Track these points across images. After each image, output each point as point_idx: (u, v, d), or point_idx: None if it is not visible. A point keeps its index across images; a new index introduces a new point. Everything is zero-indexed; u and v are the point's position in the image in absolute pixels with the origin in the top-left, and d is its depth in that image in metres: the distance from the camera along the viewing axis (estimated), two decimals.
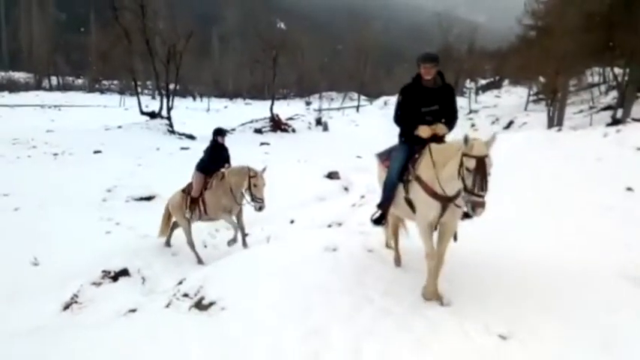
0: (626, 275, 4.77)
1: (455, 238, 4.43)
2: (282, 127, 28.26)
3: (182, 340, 4.28)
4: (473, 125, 33.83)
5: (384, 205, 4.83)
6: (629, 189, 7.58)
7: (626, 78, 22.04)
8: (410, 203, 4.47)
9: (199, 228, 9.29)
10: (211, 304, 4.75)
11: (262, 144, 23.20)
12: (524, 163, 9.34)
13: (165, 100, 26.71)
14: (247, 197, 8.01)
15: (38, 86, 61.33)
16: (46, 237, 8.97)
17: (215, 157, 8.56)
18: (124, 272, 7.66)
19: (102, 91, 59.86)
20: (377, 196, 5.21)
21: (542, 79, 27.55)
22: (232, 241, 8.41)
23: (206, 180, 8.51)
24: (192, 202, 8.56)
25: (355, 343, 3.76)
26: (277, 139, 25.52)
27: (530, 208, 7.02)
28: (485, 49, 52.70)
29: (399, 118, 4.73)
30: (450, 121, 4.62)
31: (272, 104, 31.38)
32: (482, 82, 61.92)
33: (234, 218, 8.44)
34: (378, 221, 4.95)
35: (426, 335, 3.82)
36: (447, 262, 4.33)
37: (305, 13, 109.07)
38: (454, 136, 4.31)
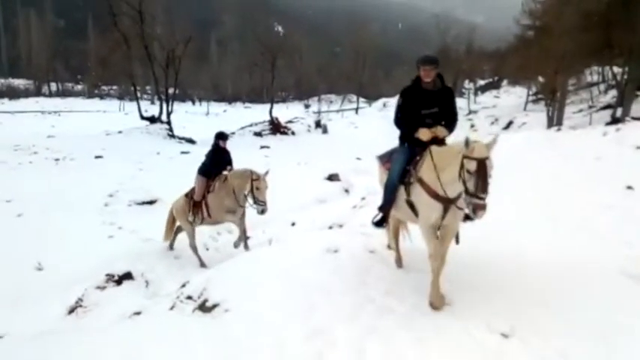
0: (627, 273, 4.81)
1: (457, 241, 4.44)
2: (282, 130, 28.27)
3: (187, 342, 4.32)
4: (472, 126, 33.86)
5: (385, 207, 4.84)
6: (629, 187, 7.59)
7: (625, 77, 22.04)
8: (411, 205, 4.48)
9: (201, 231, 9.33)
10: (215, 306, 4.79)
11: (262, 147, 23.23)
12: (524, 163, 9.36)
13: (164, 105, 26.75)
14: (250, 200, 8.05)
15: (38, 92, 61.53)
16: (49, 242, 9.04)
17: (217, 161, 8.60)
18: (128, 276, 7.72)
19: (101, 97, 60.00)
20: (378, 198, 5.24)
21: (541, 78, 27.54)
22: (238, 242, 8.46)
23: (208, 183, 8.55)
24: (195, 206, 8.60)
25: (359, 343, 3.80)
26: (277, 142, 25.55)
27: (530, 208, 7.04)
28: (484, 49, 52.72)
29: (399, 121, 4.76)
30: (450, 124, 4.63)
31: (271, 107, 31.42)
32: (481, 82, 61.93)
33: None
34: (380, 223, 4.96)
35: (428, 334, 3.85)
36: (448, 263, 4.35)
37: (303, 16, 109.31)
38: (454, 138, 4.35)
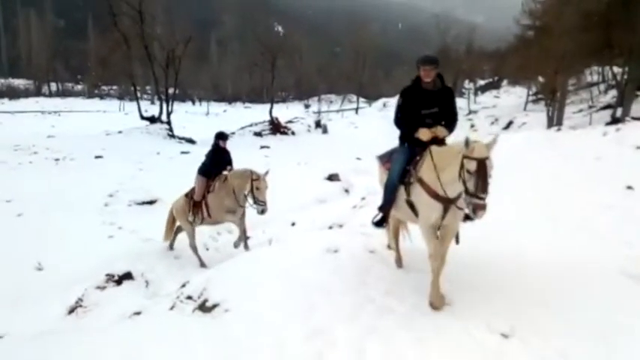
0: (627, 273, 4.81)
1: (457, 241, 4.44)
2: (282, 130, 28.27)
3: (187, 342, 4.32)
4: (472, 126, 33.86)
5: (385, 207, 4.84)
6: (629, 187, 7.59)
7: (625, 77, 22.05)
8: (411, 205, 4.49)
9: (201, 231, 9.33)
10: (215, 306, 4.79)
11: (262, 147, 23.24)
12: (524, 163, 9.36)
13: (164, 105, 26.75)
14: (250, 200, 8.05)
15: (38, 92, 61.57)
16: (49, 242, 9.04)
17: (217, 161, 8.60)
18: (128, 276, 7.73)
19: (101, 97, 60.04)
20: (377, 198, 5.24)
21: (541, 78, 27.53)
22: (238, 242, 8.47)
23: (208, 183, 8.56)
24: (195, 206, 8.60)
25: (359, 343, 3.80)
26: (277, 142, 25.56)
27: (530, 208, 7.04)
28: (484, 49, 52.73)
29: (399, 121, 4.76)
30: (450, 124, 4.63)
31: (271, 107, 31.43)
32: (481, 82, 61.93)
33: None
34: (380, 223, 4.96)
35: (428, 334, 3.85)
36: (448, 263, 4.35)
37: (303, 16, 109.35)
38: (454, 138, 4.35)
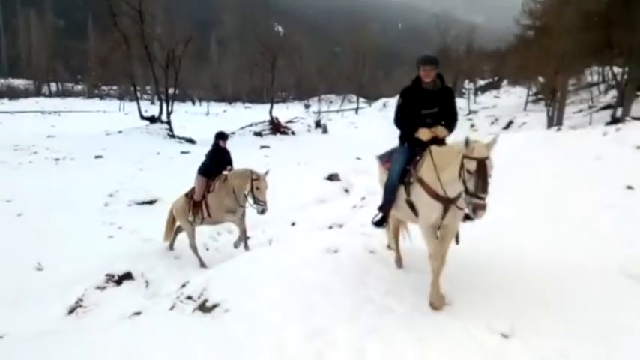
0: (627, 273, 4.81)
1: (457, 241, 4.44)
2: (282, 130, 28.28)
3: (187, 342, 4.32)
4: (472, 126, 33.85)
5: (385, 207, 4.84)
6: (629, 187, 7.59)
7: (625, 77, 22.05)
8: (411, 205, 4.48)
9: (201, 231, 9.33)
10: (215, 306, 4.79)
11: (262, 147, 23.24)
12: (523, 163, 9.34)
13: (164, 105, 26.76)
14: (250, 200, 8.05)
15: (38, 92, 61.59)
16: (49, 242, 9.05)
17: (217, 161, 8.61)
18: (128, 276, 7.73)
19: (101, 97, 60.08)
20: (377, 198, 5.24)
21: (541, 78, 27.53)
22: (238, 242, 8.48)
23: (208, 183, 8.56)
24: (195, 206, 8.60)
25: (359, 343, 3.80)
26: (277, 142, 25.57)
27: (530, 208, 7.04)
28: (484, 49, 52.74)
29: (399, 121, 4.76)
30: (450, 124, 4.63)
31: (271, 107, 31.43)
32: (481, 82, 61.93)
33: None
34: (380, 224, 4.96)
35: (428, 334, 3.86)
36: (448, 263, 4.35)
37: (303, 16, 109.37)
38: (454, 138, 4.35)
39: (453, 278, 4.49)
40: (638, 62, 19.57)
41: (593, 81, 34.18)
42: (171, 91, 27.56)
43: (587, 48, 20.78)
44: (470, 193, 3.72)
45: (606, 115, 22.72)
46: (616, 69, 24.73)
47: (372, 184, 8.90)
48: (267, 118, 30.06)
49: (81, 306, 6.86)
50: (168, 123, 25.93)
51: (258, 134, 27.04)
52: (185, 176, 9.61)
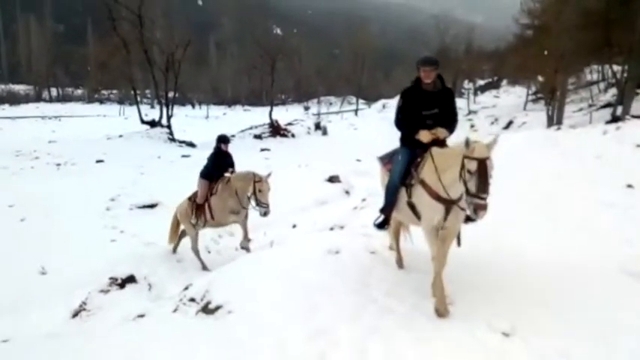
0: (628, 271, 4.83)
1: (459, 243, 4.46)
2: (282, 132, 28.28)
3: (190, 344, 4.35)
4: (472, 126, 33.80)
5: (387, 209, 4.85)
6: (629, 186, 7.61)
7: (624, 75, 22.07)
8: (412, 207, 4.49)
9: (203, 234, 9.35)
10: (218, 307, 4.81)
11: (262, 150, 23.24)
12: (524, 162, 9.36)
13: (164, 109, 26.77)
14: (252, 202, 8.08)
15: (38, 98, 61.67)
16: (52, 246, 9.09)
17: (218, 164, 8.65)
18: (131, 279, 7.75)
19: (101, 101, 60.24)
20: (378, 200, 5.26)
21: (540, 78, 27.58)
22: (244, 242, 8.52)
23: (211, 186, 8.59)
24: (198, 209, 8.64)
25: (361, 343, 3.82)
26: (277, 144, 25.58)
27: (530, 207, 7.05)
28: (483, 49, 52.79)
29: (399, 122, 4.77)
30: (450, 125, 4.63)
31: (271, 110, 31.43)
32: (481, 82, 61.88)
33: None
34: (381, 225, 4.97)
35: (429, 334, 3.88)
36: (448, 263, 4.37)
37: (301, 18, 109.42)
38: (455, 139, 4.36)
39: (453, 278, 4.50)
40: (638, 60, 19.57)
41: (593, 79, 34.17)
42: (171, 94, 27.56)
43: (586, 46, 20.82)
44: (471, 194, 3.73)
45: (606, 113, 22.71)
46: (616, 67, 24.76)
47: (372, 185, 8.93)
48: (267, 120, 30.06)
49: (85, 309, 6.89)
50: (169, 127, 25.95)
51: (259, 137, 27.04)
52: (186, 180, 9.65)
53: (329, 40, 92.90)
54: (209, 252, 9.58)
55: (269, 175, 8.10)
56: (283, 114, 40.23)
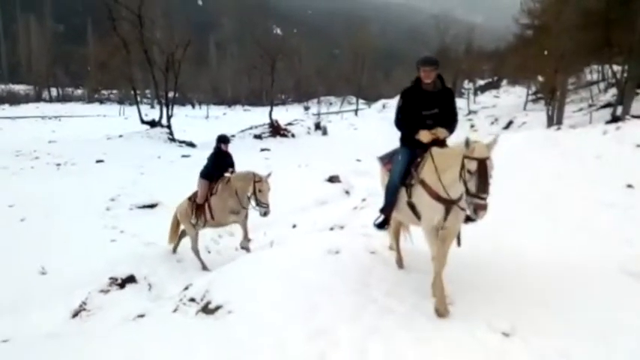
0: (627, 271, 4.83)
1: (459, 243, 4.46)
2: (282, 132, 28.27)
3: (190, 344, 4.35)
4: (472, 126, 33.79)
5: (387, 209, 4.85)
6: (629, 186, 7.61)
7: (624, 75, 22.07)
8: (412, 207, 4.49)
9: (203, 234, 9.35)
10: (218, 307, 4.81)
11: (262, 150, 23.24)
12: (524, 162, 9.36)
13: (164, 109, 26.76)
14: (252, 202, 8.08)
15: (38, 98, 61.67)
16: (52, 246, 9.09)
17: (218, 164, 8.65)
18: (131, 279, 7.76)
19: (101, 101, 60.26)
20: (378, 200, 5.26)
21: (540, 78, 27.57)
22: (244, 242, 8.52)
23: (211, 186, 8.59)
24: (199, 209, 8.64)
25: (361, 343, 3.82)
26: (277, 144, 25.58)
27: (530, 207, 7.05)
28: (483, 49, 52.80)
29: (399, 122, 4.77)
30: (450, 125, 4.63)
31: (271, 110, 31.43)
32: (481, 82, 61.88)
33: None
34: (381, 226, 4.97)
35: (429, 333, 3.88)
36: (448, 263, 4.37)
37: (301, 18, 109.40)
38: (455, 139, 4.36)
39: (453, 278, 4.50)
40: (638, 60, 19.57)
41: (593, 79, 34.17)
42: (171, 94, 27.55)
43: (586, 46, 20.82)
44: (471, 194, 3.73)
45: (606, 113, 22.71)
46: (616, 67, 24.75)
47: (372, 185, 8.93)
48: (267, 120, 30.06)
49: (85, 309, 6.89)
50: (169, 127, 25.95)
51: (259, 137, 27.04)
52: (186, 180, 9.65)
53: (329, 40, 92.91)
54: (209, 252, 9.58)
55: (269, 175, 8.10)
56: (283, 114, 40.22)
